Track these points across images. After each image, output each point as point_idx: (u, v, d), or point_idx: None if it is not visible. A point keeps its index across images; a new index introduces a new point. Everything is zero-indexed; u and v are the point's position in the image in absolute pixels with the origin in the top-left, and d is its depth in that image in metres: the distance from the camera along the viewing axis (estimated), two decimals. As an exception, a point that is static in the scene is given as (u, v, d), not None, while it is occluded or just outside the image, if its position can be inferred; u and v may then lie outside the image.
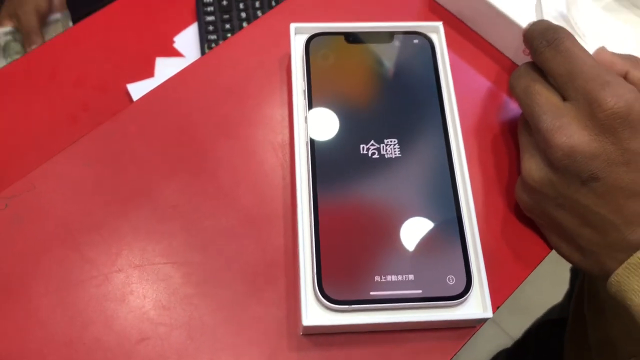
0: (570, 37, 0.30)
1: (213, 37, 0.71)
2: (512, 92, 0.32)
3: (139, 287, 0.30)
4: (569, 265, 0.75)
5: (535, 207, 0.31)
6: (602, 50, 0.31)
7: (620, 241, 0.28)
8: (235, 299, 0.30)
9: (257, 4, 0.74)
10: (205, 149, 0.34)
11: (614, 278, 0.28)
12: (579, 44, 0.29)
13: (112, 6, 0.73)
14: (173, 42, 0.70)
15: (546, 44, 0.30)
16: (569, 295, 0.77)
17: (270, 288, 0.31)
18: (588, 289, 0.41)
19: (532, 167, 0.30)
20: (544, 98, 0.29)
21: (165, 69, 0.67)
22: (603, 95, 0.27)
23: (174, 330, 0.29)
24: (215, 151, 0.34)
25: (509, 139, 0.36)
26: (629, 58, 0.31)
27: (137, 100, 0.35)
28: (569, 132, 0.28)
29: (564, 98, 0.29)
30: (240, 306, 0.30)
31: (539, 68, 0.31)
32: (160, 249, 0.31)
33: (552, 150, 0.28)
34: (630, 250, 0.27)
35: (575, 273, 0.75)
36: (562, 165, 0.28)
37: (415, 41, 0.36)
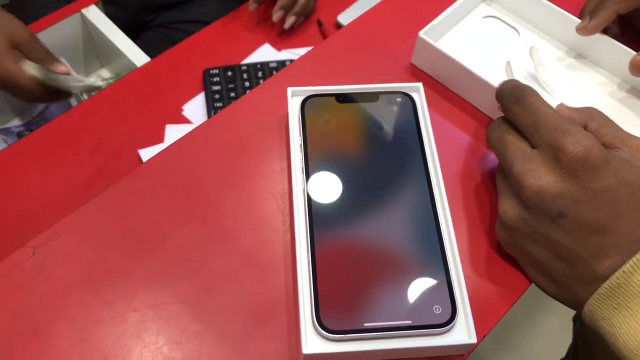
0: (534, 93, 0.33)
1: (219, 104, 0.76)
2: (488, 143, 0.36)
3: (153, 325, 0.33)
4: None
5: (513, 243, 0.34)
6: (561, 106, 0.35)
7: (589, 273, 0.30)
8: (240, 334, 0.33)
9: (260, 74, 0.80)
10: (212, 199, 0.38)
11: (586, 308, 0.30)
12: (542, 99, 0.33)
13: (125, 79, 0.79)
14: (182, 110, 0.76)
15: (514, 101, 0.34)
16: (572, 347, 0.78)
17: (272, 323, 0.33)
18: (580, 332, 0.43)
19: (507, 207, 0.33)
20: (515, 146, 0.33)
21: (175, 134, 0.73)
22: (564, 142, 0.30)
23: (184, 364, 0.32)
24: (220, 201, 0.38)
25: (487, 185, 0.39)
26: (586, 111, 0.35)
27: (149, 159, 0.40)
28: (538, 174, 0.31)
29: (532, 146, 0.33)
30: (245, 340, 0.33)
31: (509, 121, 0.35)
32: (172, 290, 0.34)
33: (524, 191, 0.32)
34: (598, 281, 0.30)
35: (576, 322, 0.76)
36: (533, 204, 0.31)
37: (399, 100, 0.40)
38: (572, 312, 0.79)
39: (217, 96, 0.77)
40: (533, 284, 0.36)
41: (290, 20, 0.83)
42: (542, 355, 1.21)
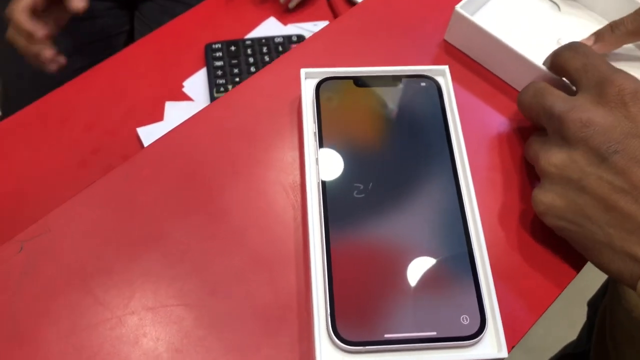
0: (588, 46, 0.33)
1: (221, 81, 0.73)
2: (520, 107, 0.34)
3: (152, 330, 0.30)
4: (580, 305, 0.74)
5: (557, 202, 0.30)
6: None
7: None
8: (247, 342, 0.30)
9: (265, 49, 0.76)
10: (217, 191, 0.35)
11: None
12: (594, 51, 0.33)
13: (122, 52, 0.75)
14: (182, 86, 0.72)
15: (567, 48, 0.34)
16: (586, 329, 0.76)
17: (282, 330, 0.31)
18: (610, 320, 0.41)
19: (551, 155, 0.30)
20: (555, 94, 0.32)
21: (175, 112, 0.69)
22: (614, 77, 0.30)
23: (186, 374, 0.29)
24: (226, 193, 0.35)
25: (521, 177, 0.36)
26: None
27: (150, 145, 0.36)
28: (584, 108, 0.29)
29: (577, 93, 0.31)
30: (252, 349, 0.30)
31: (542, 82, 0.34)
32: (173, 291, 0.31)
33: (570, 125, 0.29)
34: None
35: (593, 308, 0.74)
36: (582, 138, 0.29)
37: (423, 84, 0.36)
38: (577, 297, 0.77)
39: (219, 72, 0.73)
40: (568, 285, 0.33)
41: (295, 0, 0.78)
42: (545, 337, 1.20)
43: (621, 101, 0.29)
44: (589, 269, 0.33)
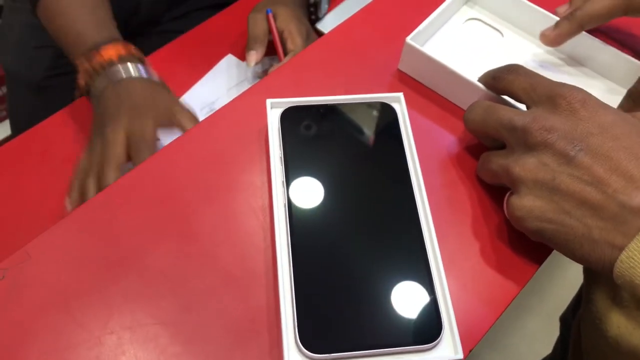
0: (524, 67, 0.36)
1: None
2: (469, 125, 0.37)
3: (130, 348, 0.32)
4: (557, 320, 0.76)
5: (535, 207, 0.32)
6: None
7: (621, 211, 0.28)
8: (221, 355, 0.32)
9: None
10: (190, 215, 0.37)
11: (624, 254, 0.28)
12: (531, 70, 0.36)
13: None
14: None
15: (507, 72, 0.36)
16: (559, 343, 0.78)
17: (254, 343, 0.32)
18: (584, 337, 0.42)
19: (522, 162, 0.32)
20: (507, 109, 0.35)
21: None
22: (561, 90, 0.33)
23: (163, 388, 0.31)
24: (199, 217, 0.37)
25: (475, 193, 0.39)
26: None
27: (126, 174, 0.38)
28: (543, 117, 0.32)
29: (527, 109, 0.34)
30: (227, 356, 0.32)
31: (489, 101, 0.37)
32: (149, 310, 0.33)
33: (535, 134, 0.32)
34: (634, 217, 0.28)
35: (564, 322, 0.76)
36: (548, 143, 0.31)
37: (380, 110, 0.39)
38: (556, 312, 0.80)
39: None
40: (517, 294, 0.36)
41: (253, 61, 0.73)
42: (527, 354, 1.22)
43: (572, 109, 0.32)
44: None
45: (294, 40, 0.68)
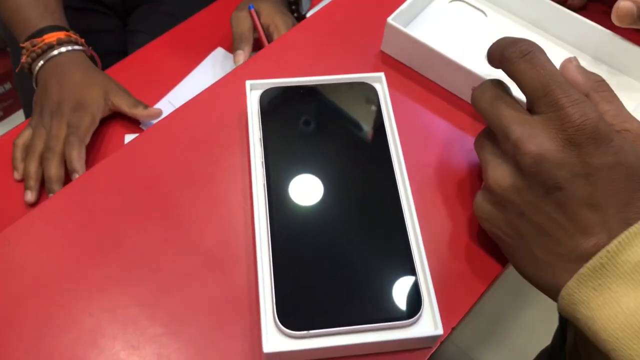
0: (542, 51, 0.31)
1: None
2: (475, 106, 0.34)
3: (110, 330, 0.32)
4: (556, 311, 0.76)
5: (496, 216, 0.33)
6: (570, 62, 0.33)
7: (574, 250, 0.29)
8: (201, 335, 0.32)
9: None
10: (171, 199, 0.37)
11: (564, 291, 0.29)
12: (549, 58, 0.31)
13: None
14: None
15: (520, 54, 0.31)
16: (559, 332, 0.77)
17: (234, 323, 0.32)
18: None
19: (499, 175, 0.32)
20: (512, 110, 0.31)
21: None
22: (572, 112, 0.29)
23: (142, 369, 0.31)
24: (180, 200, 0.37)
25: (456, 173, 0.39)
26: (592, 78, 0.33)
27: (107, 158, 0.38)
28: (539, 140, 0.29)
29: (531, 111, 0.31)
30: (206, 341, 0.32)
31: (501, 83, 0.33)
32: (129, 292, 0.33)
33: (524, 157, 0.30)
34: (582, 260, 0.28)
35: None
36: (531, 172, 0.30)
37: (361, 91, 0.39)
38: (555, 303, 0.79)
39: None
40: (501, 275, 0.35)
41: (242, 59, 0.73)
42: (526, 347, 1.22)
43: (576, 141, 0.29)
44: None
45: (280, 32, 0.68)
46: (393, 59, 0.44)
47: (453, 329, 0.33)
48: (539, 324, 1.24)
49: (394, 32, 0.42)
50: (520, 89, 0.32)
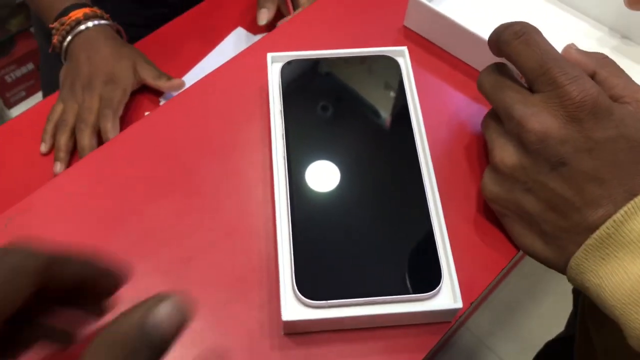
0: (538, 31, 0.32)
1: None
2: (480, 89, 0.34)
3: (128, 296, 0.32)
4: (570, 296, 0.75)
5: (503, 195, 0.33)
6: (570, 47, 0.34)
7: (581, 223, 0.29)
8: (221, 304, 0.32)
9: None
10: (192, 170, 0.37)
11: (573, 261, 0.29)
12: (544, 38, 0.31)
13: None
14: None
15: (514, 36, 0.32)
16: (572, 315, 0.77)
17: (254, 292, 0.32)
18: (589, 301, 0.42)
19: (505, 154, 0.32)
20: (515, 90, 0.32)
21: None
22: (571, 89, 0.29)
23: (161, 334, 0.31)
24: (201, 172, 0.37)
25: (478, 149, 0.38)
26: (595, 56, 0.33)
27: (127, 128, 0.38)
28: (542, 118, 0.30)
29: (532, 91, 0.32)
30: (225, 309, 0.32)
31: (505, 66, 0.34)
32: (149, 261, 0.33)
33: (527, 135, 0.30)
34: (589, 231, 0.29)
35: (576, 293, 0.75)
36: (535, 149, 0.30)
37: (383, 64, 0.39)
38: (568, 291, 0.79)
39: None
40: (519, 252, 0.35)
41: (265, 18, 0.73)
42: (542, 335, 1.21)
43: (577, 117, 0.29)
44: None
45: None
46: (416, 34, 0.43)
47: (471, 303, 0.33)
48: (555, 312, 1.24)
49: (418, 6, 0.41)
50: (519, 70, 0.32)
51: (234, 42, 0.81)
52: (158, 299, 0.21)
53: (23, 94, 1.49)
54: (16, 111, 1.50)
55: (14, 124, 0.66)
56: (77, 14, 0.65)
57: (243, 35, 0.81)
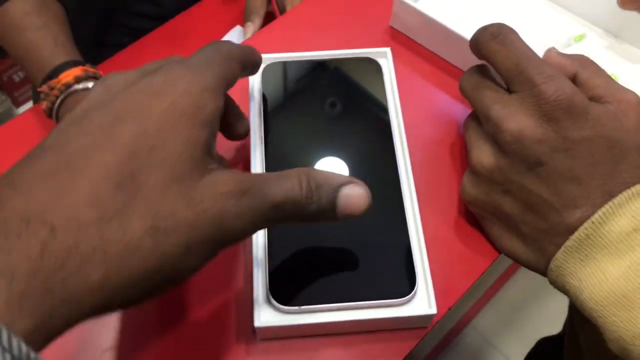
0: (514, 32, 0.32)
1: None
2: (462, 91, 0.34)
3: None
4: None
5: (482, 198, 0.33)
6: (551, 52, 0.33)
7: (560, 224, 0.29)
8: (194, 310, 0.32)
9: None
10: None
11: (553, 263, 0.29)
12: (521, 38, 0.31)
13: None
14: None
15: (491, 36, 0.32)
16: (568, 315, 0.76)
17: (229, 298, 0.32)
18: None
19: (482, 155, 0.32)
20: (493, 91, 0.32)
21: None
22: (546, 88, 0.29)
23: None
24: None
25: (460, 152, 0.38)
26: (577, 59, 0.33)
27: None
28: (517, 118, 0.30)
29: (510, 90, 0.31)
30: (199, 317, 0.32)
31: (486, 68, 0.34)
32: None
33: (503, 135, 0.30)
34: (568, 232, 0.29)
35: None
36: (511, 150, 0.30)
37: (365, 66, 0.38)
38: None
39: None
40: (500, 255, 0.34)
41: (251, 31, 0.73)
42: (548, 335, 1.20)
43: (553, 115, 0.29)
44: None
45: (294, 3, 0.68)
46: (402, 34, 0.43)
47: (449, 308, 0.33)
48: (560, 312, 1.22)
49: (403, 7, 0.41)
50: (496, 71, 0.32)
51: (234, 40, 0.81)
52: None
53: (31, 93, 1.50)
54: (24, 110, 1.52)
55: (21, 120, 0.66)
56: (68, 77, 0.60)
57: (241, 34, 0.81)
